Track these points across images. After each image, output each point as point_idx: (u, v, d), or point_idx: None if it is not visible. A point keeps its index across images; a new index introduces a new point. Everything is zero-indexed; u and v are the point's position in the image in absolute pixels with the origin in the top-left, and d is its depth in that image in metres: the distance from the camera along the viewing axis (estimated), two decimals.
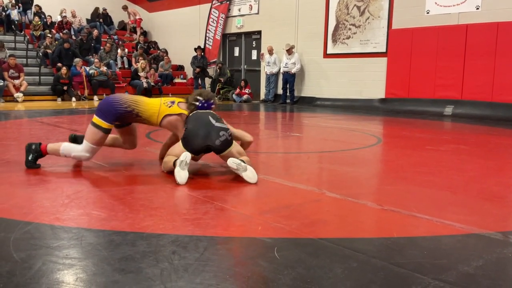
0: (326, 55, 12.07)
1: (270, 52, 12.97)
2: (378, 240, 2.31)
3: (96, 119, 3.69)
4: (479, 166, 4.44)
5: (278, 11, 13.04)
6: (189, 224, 2.45)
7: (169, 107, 3.75)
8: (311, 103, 12.36)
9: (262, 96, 13.66)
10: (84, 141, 3.73)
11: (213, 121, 3.65)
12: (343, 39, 11.61)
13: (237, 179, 3.52)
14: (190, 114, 3.74)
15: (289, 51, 12.38)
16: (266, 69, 13.23)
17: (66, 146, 3.77)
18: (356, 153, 5.13)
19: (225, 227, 2.47)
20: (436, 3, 9.67)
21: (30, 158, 3.75)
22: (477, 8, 9.06)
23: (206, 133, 3.55)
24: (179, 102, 3.83)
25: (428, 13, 9.82)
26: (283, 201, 2.96)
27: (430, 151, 5.22)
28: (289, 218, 2.58)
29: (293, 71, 12.42)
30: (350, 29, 11.43)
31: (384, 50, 10.73)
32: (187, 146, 3.55)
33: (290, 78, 12.55)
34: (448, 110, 9.46)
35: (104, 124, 3.67)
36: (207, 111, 3.80)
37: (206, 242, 2.20)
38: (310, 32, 12.31)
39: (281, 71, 12.74)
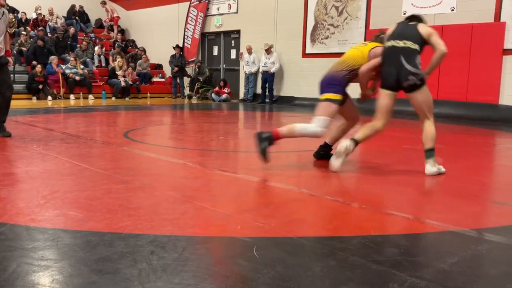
0: (305, 55, 12.13)
1: (249, 51, 12.98)
2: (356, 238, 2.34)
3: (326, 95, 3.93)
4: (455, 165, 4.52)
5: (257, 10, 13.05)
6: (167, 224, 2.44)
7: (366, 45, 4.03)
8: (290, 102, 12.40)
9: (241, 96, 13.66)
10: (317, 117, 3.92)
11: (404, 62, 3.77)
12: (322, 39, 11.68)
13: (215, 178, 3.52)
14: (384, 51, 3.89)
15: (268, 51, 12.41)
16: (245, 69, 13.23)
17: (299, 126, 3.97)
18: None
19: (204, 226, 2.46)
20: (412, 4, 9.81)
21: (263, 146, 3.90)
22: (452, 10, 9.23)
23: (397, 74, 3.78)
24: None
25: (404, 14, 9.96)
26: (262, 200, 2.96)
27: (407, 150, 5.30)
28: (268, 217, 2.59)
29: (272, 70, 12.45)
30: (328, 29, 11.51)
31: None
32: (383, 84, 3.90)
33: (269, 78, 12.57)
34: None
35: (337, 96, 3.93)
36: (401, 48, 3.81)
37: (185, 242, 2.19)
38: (289, 31, 12.35)
39: (260, 70, 12.76)
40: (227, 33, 14.30)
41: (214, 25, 14.42)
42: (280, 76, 12.72)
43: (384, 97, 3.99)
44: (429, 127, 3.93)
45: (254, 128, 8.11)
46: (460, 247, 2.25)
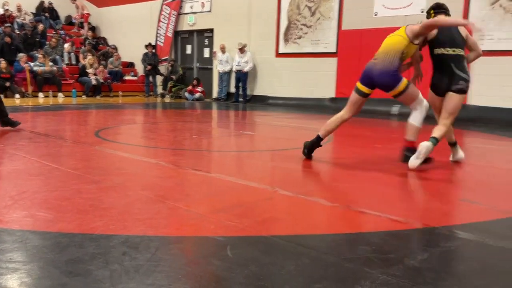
0: (278, 54, 12.18)
1: (223, 50, 12.94)
2: (329, 237, 2.36)
3: (394, 91, 4.04)
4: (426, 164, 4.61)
5: (231, 9, 13.02)
6: (140, 224, 2.41)
7: (398, 30, 4.11)
8: (263, 101, 12.44)
9: (215, 95, 13.62)
10: (413, 105, 4.10)
11: (455, 69, 3.97)
12: (295, 38, 11.75)
13: (189, 177, 3.49)
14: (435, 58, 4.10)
15: (242, 50, 12.40)
16: (218, 67, 13.19)
17: (412, 120, 4.18)
18: None
19: (177, 226, 2.44)
20: (383, 5, 9.98)
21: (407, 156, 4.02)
22: (422, 12, 9.42)
23: (448, 81, 3.99)
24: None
25: (376, 15, 10.13)
26: (236, 200, 2.96)
27: (379, 150, 5.39)
28: (242, 216, 2.59)
29: (245, 69, 12.45)
30: (301, 29, 11.59)
31: (334, 50, 10.96)
32: (434, 90, 4.15)
33: (242, 77, 12.57)
34: (395, 109, 9.79)
35: (402, 84, 4.00)
36: (452, 56, 4.00)
37: (158, 242, 2.16)
38: (262, 31, 12.38)
39: (234, 69, 12.74)
40: (201, 32, 14.22)
41: (187, 23, 14.32)
42: (254, 75, 12.73)
43: (435, 100, 4.28)
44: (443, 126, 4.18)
45: (228, 127, 8.10)
46: (430, 244, 2.30)
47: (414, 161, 3.96)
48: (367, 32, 10.24)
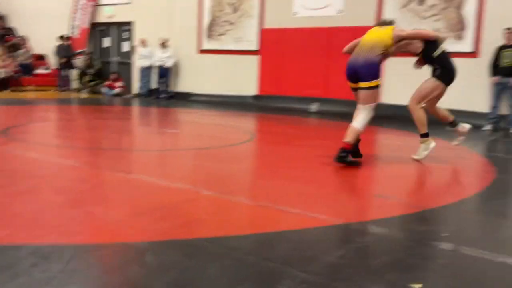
0: (201, 51, 12.07)
1: (144, 44, 12.58)
2: (251, 237, 2.38)
3: (365, 84, 4.15)
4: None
5: (152, 2, 12.68)
6: (52, 232, 2.26)
7: (383, 28, 4.38)
8: (186, 98, 12.27)
9: (135, 90, 13.21)
10: (365, 106, 4.23)
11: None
12: (217, 35, 11.71)
13: (107, 179, 3.35)
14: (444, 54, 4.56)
15: (164, 45, 12.14)
16: (139, 62, 12.80)
17: (356, 124, 4.27)
18: (231, 150, 5.22)
19: (94, 233, 2.33)
20: (303, 5, 10.23)
21: (349, 161, 4.19)
22: (339, 13, 9.80)
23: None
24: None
25: (296, 14, 10.36)
26: (157, 202, 2.88)
27: (298, 147, 5.52)
28: (163, 219, 2.53)
29: (167, 65, 12.20)
30: (223, 25, 11.57)
31: (256, 48, 11.07)
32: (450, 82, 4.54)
33: (165, 72, 12.31)
34: (315, 107, 10.10)
35: (378, 81, 4.18)
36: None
37: (72, 251, 2.05)
38: (185, 26, 12.19)
39: (156, 64, 12.44)
40: (120, 25, 13.70)
41: (105, 15, 13.73)
42: (176, 71, 12.52)
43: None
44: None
45: (150, 125, 7.90)
46: (346, 240, 2.39)
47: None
48: (288, 31, 10.45)
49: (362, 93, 4.23)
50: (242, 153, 5.14)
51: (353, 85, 4.35)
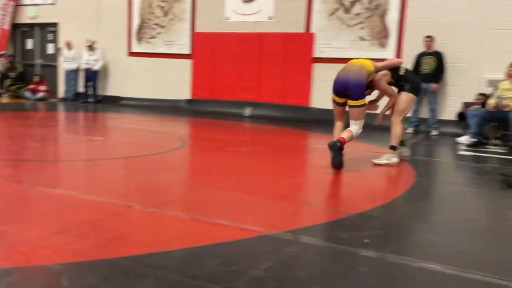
0: (131, 53, 11.76)
1: (69, 46, 12.03)
2: (176, 252, 2.32)
3: (361, 102, 4.62)
4: (272, 166, 4.86)
5: (77, 3, 12.17)
6: None
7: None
8: (116, 102, 11.88)
9: (61, 94, 12.61)
10: (356, 122, 4.66)
11: None
12: (148, 38, 11.46)
13: (24, 194, 3.15)
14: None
15: (91, 47, 11.69)
16: (64, 65, 12.24)
17: (353, 131, 4.64)
18: (161, 158, 5.10)
19: (4, 256, 2.17)
20: (234, 11, 10.26)
21: (338, 159, 4.41)
22: (270, 19, 9.93)
23: None
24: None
25: (227, 19, 10.38)
26: (77, 218, 2.75)
27: (230, 153, 5.51)
28: (83, 238, 2.41)
29: (95, 68, 11.76)
30: (154, 28, 11.34)
31: (188, 52, 10.96)
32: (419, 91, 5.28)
33: (92, 76, 11.84)
34: (247, 111, 10.16)
35: (364, 101, 4.66)
36: None
37: None
38: (113, 28, 11.81)
39: (82, 67, 11.95)
40: (44, 26, 13.03)
41: (28, 16, 13.00)
42: (105, 74, 12.10)
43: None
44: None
45: (75, 132, 7.55)
46: (273, 251, 2.40)
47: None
48: (220, 36, 10.44)
49: (353, 111, 4.69)
50: (173, 161, 5.05)
51: (339, 100, 4.76)
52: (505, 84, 6.67)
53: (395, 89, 5.16)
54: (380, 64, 4.95)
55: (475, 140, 6.72)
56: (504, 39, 7.73)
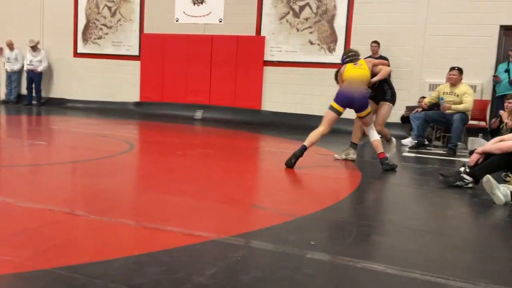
0: (77, 54, 11.40)
1: (10, 47, 11.51)
2: (119, 261, 2.26)
3: (364, 113, 5.15)
4: (222, 170, 4.84)
5: (19, 1, 11.67)
6: None
7: (362, 64, 5.30)
8: (61, 105, 11.48)
9: (2, 96, 12.03)
10: (370, 126, 5.28)
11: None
12: (95, 38, 11.16)
13: None
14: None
15: (34, 47, 11.23)
16: (6, 66, 11.69)
17: (374, 138, 5.25)
18: (107, 162, 4.96)
19: None
20: (184, 12, 10.18)
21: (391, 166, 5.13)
22: (220, 21, 9.92)
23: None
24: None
25: (177, 21, 10.27)
26: (13, 227, 2.62)
27: (179, 157, 5.45)
28: (19, 248, 2.29)
29: (39, 69, 11.32)
30: (101, 29, 11.06)
31: (137, 53, 10.75)
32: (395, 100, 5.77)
33: (35, 77, 11.39)
34: (198, 114, 10.09)
35: (370, 109, 5.22)
36: None
37: None
38: (58, 28, 11.41)
39: (25, 68, 11.46)
40: None
41: None
42: (49, 75, 11.67)
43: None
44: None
45: (18, 136, 7.21)
46: (218, 257, 2.38)
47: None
48: (170, 37, 10.32)
49: (364, 120, 5.24)
50: (119, 166, 4.92)
51: (341, 110, 5.18)
52: (445, 88, 6.98)
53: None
54: (372, 62, 5.41)
55: (417, 141, 6.99)
56: (443, 45, 8.11)
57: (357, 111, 5.17)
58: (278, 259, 2.42)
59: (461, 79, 6.77)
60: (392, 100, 5.60)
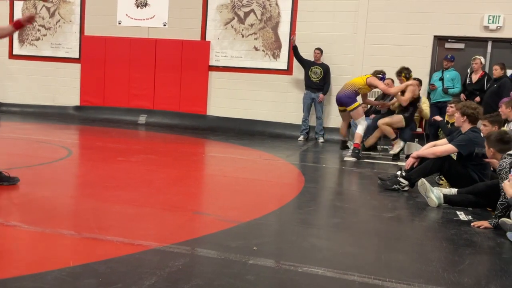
0: (13, 56, 10.86)
1: None
2: (53, 273, 2.16)
3: (354, 105, 6.37)
4: (164, 176, 4.76)
5: None
6: None
7: (365, 75, 6.60)
8: None
9: None
10: (359, 120, 6.38)
11: None
12: (32, 40, 10.68)
13: None
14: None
15: None
16: None
17: (358, 131, 6.35)
18: (43, 169, 4.75)
19: None
20: (127, 14, 9.95)
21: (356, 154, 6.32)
22: (164, 25, 9.78)
23: None
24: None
25: (120, 23, 10.03)
26: None
27: (121, 163, 5.31)
28: None
29: None
30: (39, 30, 10.60)
31: (77, 56, 10.39)
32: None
33: None
34: (142, 119, 9.88)
35: (356, 104, 6.41)
36: None
37: None
38: None
39: None
40: None
41: None
42: None
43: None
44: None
45: None
46: (158, 265, 2.33)
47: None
48: (112, 40, 10.05)
49: (352, 113, 6.41)
50: (56, 173, 4.72)
51: (340, 108, 6.66)
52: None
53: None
54: (379, 85, 6.49)
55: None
56: (381, 54, 8.44)
57: (345, 106, 6.47)
58: (220, 266, 2.41)
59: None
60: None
